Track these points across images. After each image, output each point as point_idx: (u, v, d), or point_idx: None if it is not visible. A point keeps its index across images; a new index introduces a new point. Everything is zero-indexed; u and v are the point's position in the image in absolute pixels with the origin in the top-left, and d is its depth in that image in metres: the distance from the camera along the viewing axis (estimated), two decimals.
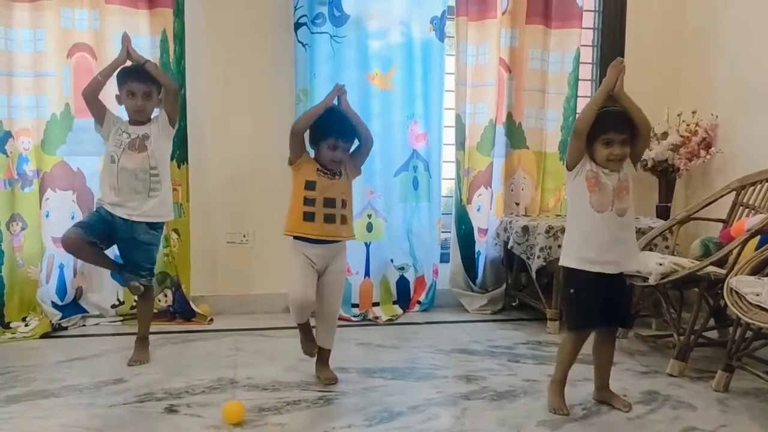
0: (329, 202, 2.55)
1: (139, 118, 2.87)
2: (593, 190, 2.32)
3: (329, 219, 2.56)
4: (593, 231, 2.34)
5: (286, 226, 2.62)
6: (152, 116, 2.92)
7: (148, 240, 2.92)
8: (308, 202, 2.55)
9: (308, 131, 2.61)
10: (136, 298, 3.11)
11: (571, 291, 2.42)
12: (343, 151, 2.59)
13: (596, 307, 2.37)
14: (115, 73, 2.89)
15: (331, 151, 2.56)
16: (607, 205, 2.32)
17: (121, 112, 2.96)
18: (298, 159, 2.60)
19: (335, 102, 2.65)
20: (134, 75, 2.84)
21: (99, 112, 2.87)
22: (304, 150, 2.61)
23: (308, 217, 2.55)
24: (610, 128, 2.28)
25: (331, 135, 2.55)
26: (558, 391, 2.46)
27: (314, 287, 2.60)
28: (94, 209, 2.95)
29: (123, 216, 2.85)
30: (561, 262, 2.45)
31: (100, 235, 2.86)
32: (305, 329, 2.69)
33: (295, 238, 2.60)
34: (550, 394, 2.48)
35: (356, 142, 2.65)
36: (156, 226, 2.96)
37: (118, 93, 2.89)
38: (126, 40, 2.90)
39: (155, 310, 3.55)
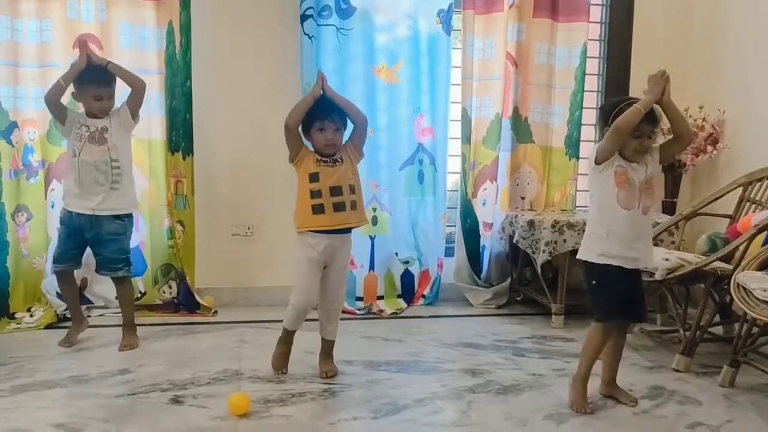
0: (336, 190, 2.54)
1: (102, 116, 2.92)
2: (622, 187, 2.32)
3: (339, 207, 2.54)
4: (618, 227, 2.33)
5: (297, 223, 2.61)
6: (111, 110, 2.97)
7: (114, 230, 2.95)
8: (315, 194, 2.53)
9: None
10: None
11: (593, 282, 2.41)
12: (333, 131, 2.56)
13: (620, 296, 2.37)
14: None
15: (322, 134, 2.55)
16: (635, 202, 2.32)
17: (72, 105, 3.03)
18: (297, 155, 2.59)
19: (321, 91, 2.61)
20: (98, 80, 2.89)
21: (61, 113, 2.92)
22: (301, 145, 2.60)
23: (317, 209, 2.53)
24: (642, 119, 2.27)
25: (316, 119, 2.55)
26: (581, 389, 2.43)
27: (318, 287, 2.61)
28: (58, 222, 3.04)
29: (86, 212, 2.89)
30: (580, 256, 2.44)
31: (77, 245, 2.97)
32: (289, 339, 2.69)
33: (304, 232, 2.58)
34: (573, 392, 2.45)
35: (349, 125, 2.64)
36: (122, 216, 2.98)
37: (74, 90, 2.92)
38: (84, 44, 2.95)
39: (159, 302, 3.58)
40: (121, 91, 2.99)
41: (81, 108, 3.01)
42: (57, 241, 3.06)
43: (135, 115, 2.98)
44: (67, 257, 2.98)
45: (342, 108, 2.60)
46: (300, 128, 2.60)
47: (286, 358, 2.70)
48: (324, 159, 2.57)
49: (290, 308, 2.63)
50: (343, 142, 2.64)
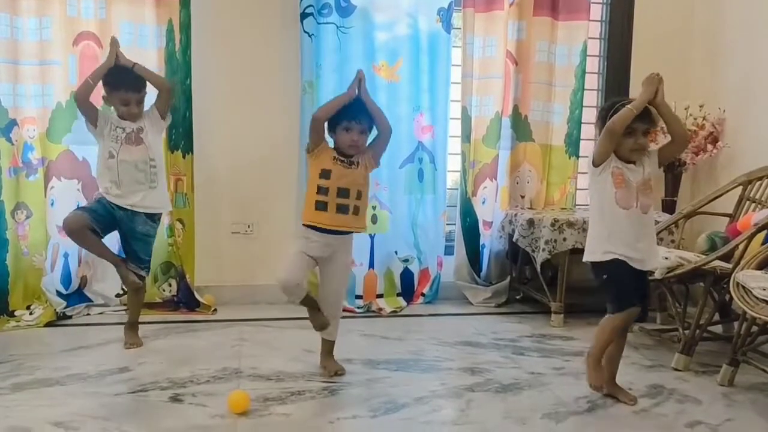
0: (343, 192, 2.52)
1: (133, 120, 2.93)
2: (619, 186, 2.34)
3: (342, 209, 2.53)
4: (619, 227, 2.35)
5: (303, 216, 2.61)
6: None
7: (146, 231, 2.99)
8: (321, 191, 2.52)
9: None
10: (124, 288, 3.20)
11: (605, 277, 2.42)
12: (359, 133, 2.55)
13: (632, 285, 2.39)
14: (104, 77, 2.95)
15: (347, 134, 2.54)
16: (632, 202, 2.34)
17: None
18: (316, 147, 2.57)
19: (357, 90, 2.59)
20: (127, 84, 2.90)
21: (92, 113, 2.93)
22: (323, 139, 2.59)
23: (320, 206, 2.52)
24: (635, 117, 2.28)
25: (344, 117, 2.54)
26: (595, 366, 2.46)
27: (304, 273, 2.59)
28: (96, 199, 3.02)
29: (124, 206, 2.91)
30: (586, 258, 2.45)
31: (102, 222, 2.91)
32: (308, 304, 2.64)
33: (306, 226, 2.58)
34: (591, 370, 2.47)
35: (373, 131, 2.63)
36: (155, 218, 3.02)
37: (104, 94, 2.95)
38: (114, 44, 2.95)
39: (159, 300, 3.59)
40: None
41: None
42: (88, 203, 3.06)
43: (164, 116, 3.02)
44: (92, 212, 2.89)
45: (371, 113, 2.59)
46: (326, 124, 2.59)
47: (318, 313, 2.64)
48: (341, 158, 2.55)
49: (278, 287, 2.56)
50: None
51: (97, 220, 2.88)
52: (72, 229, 2.87)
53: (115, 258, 3.01)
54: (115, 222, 2.94)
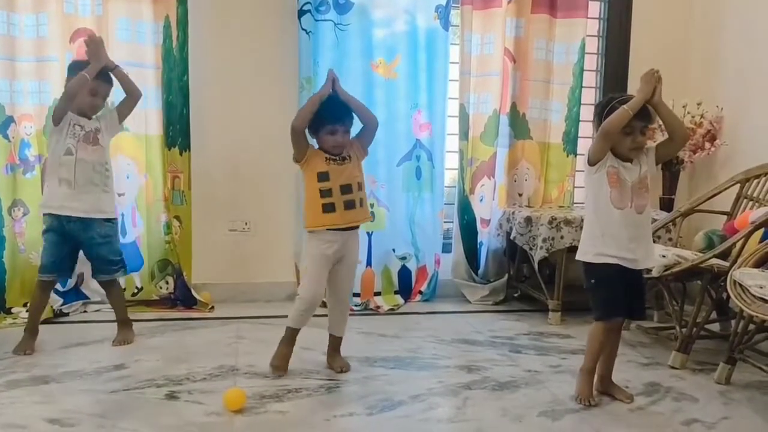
0: (346, 189, 2.53)
1: (92, 114, 2.89)
2: (614, 186, 2.33)
3: (349, 205, 2.53)
4: (612, 227, 2.35)
5: (306, 222, 2.60)
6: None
7: (106, 232, 2.92)
8: (324, 193, 2.52)
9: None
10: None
11: (592, 281, 2.42)
12: (343, 134, 2.55)
13: (619, 295, 2.38)
14: (68, 65, 2.96)
15: (332, 137, 2.54)
16: (627, 202, 2.33)
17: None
18: (304, 156, 2.57)
19: (331, 90, 2.58)
20: (103, 76, 2.85)
21: (64, 112, 2.79)
22: (308, 145, 2.58)
23: (328, 208, 2.52)
24: (633, 116, 2.27)
25: (327, 122, 2.53)
26: (587, 380, 2.45)
27: (325, 286, 2.62)
28: (43, 231, 2.88)
29: (77, 214, 2.82)
30: (579, 257, 2.45)
31: (69, 256, 2.90)
32: (293, 340, 2.64)
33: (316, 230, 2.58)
34: (579, 383, 2.46)
35: (357, 124, 2.63)
36: (110, 219, 2.95)
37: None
38: (100, 42, 2.87)
39: (156, 297, 3.59)
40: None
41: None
42: (46, 247, 2.86)
43: (122, 121, 3.00)
44: (60, 266, 2.89)
45: (353, 109, 2.58)
46: (306, 128, 2.57)
47: (287, 359, 2.64)
48: (333, 157, 2.55)
49: (298, 303, 2.59)
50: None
51: (67, 256, 2.88)
52: (43, 288, 2.90)
53: (35, 329, 2.91)
54: (71, 240, 2.85)
